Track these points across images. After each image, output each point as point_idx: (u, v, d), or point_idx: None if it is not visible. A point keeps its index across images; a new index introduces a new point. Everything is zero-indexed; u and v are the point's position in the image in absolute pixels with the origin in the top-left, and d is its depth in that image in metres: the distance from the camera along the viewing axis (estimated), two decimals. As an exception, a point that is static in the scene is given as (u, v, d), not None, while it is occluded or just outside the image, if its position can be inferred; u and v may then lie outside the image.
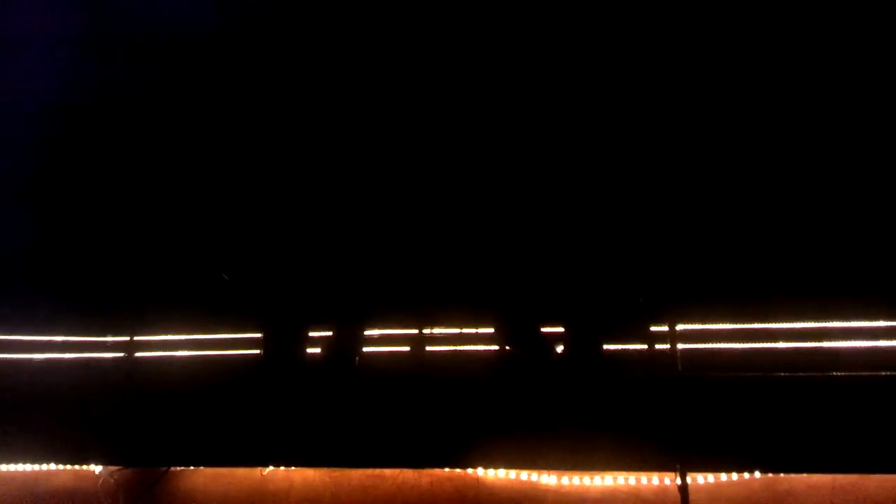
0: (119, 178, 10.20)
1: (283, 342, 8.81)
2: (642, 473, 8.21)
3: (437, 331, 8.65)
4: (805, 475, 7.98)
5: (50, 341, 9.39)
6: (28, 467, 9.17)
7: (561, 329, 8.37)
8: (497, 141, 9.44)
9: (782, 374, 7.76)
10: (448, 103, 9.63)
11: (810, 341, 7.84)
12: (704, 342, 8.08)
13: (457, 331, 8.62)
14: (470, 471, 8.51)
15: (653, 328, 8.18)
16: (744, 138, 8.97)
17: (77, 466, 9.21)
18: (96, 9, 10.74)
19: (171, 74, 10.39)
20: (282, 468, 8.93)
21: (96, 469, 9.23)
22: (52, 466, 9.17)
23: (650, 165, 9.03)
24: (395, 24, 9.95)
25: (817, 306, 7.90)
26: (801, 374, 7.72)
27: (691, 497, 7.82)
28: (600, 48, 9.43)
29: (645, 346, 8.17)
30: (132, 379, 9.11)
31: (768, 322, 7.97)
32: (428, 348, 8.61)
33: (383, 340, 8.72)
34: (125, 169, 10.22)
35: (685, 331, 8.14)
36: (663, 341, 8.13)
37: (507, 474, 8.42)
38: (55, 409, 8.95)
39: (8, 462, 9.12)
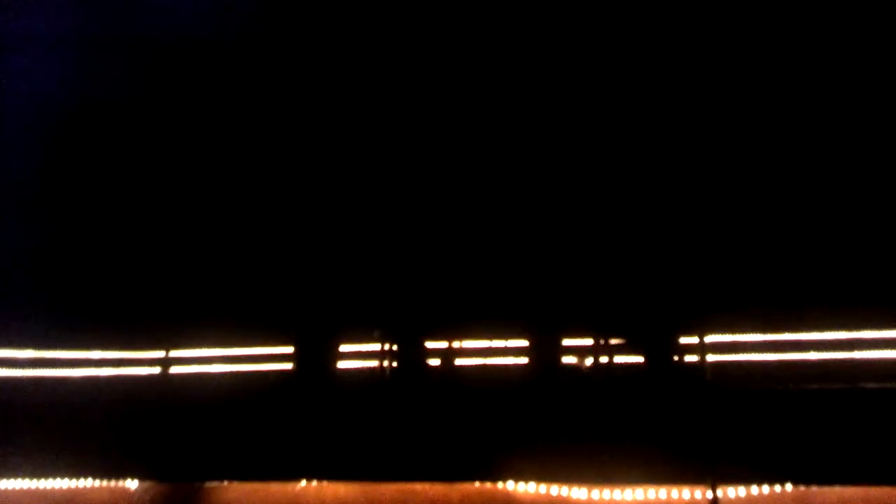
0: (152, 196, 10.39)
1: (316, 357, 8.93)
2: (673, 486, 8.17)
3: (466, 344, 8.74)
4: (837, 488, 7.90)
5: (87, 358, 9.56)
6: (65, 483, 9.30)
7: (590, 341, 8.42)
8: (536, 161, 9.52)
9: (814, 385, 7.74)
10: (483, 120, 9.75)
11: (841, 352, 7.83)
12: (734, 353, 8.10)
13: (486, 344, 8.71)
14: (500, 485, 8.52)
15: (682, 340, 8.21)
16: (774, 153, 9.00)
17: (113, 482, 9.33)
18: (98, 10, 10.95)
19: (201, 85, 10.58)
20: (314, 483, 9.01)
21: (132, 485, 9.35)
22: (89, 482, 9.31)
23: (680, 179, 9.08)
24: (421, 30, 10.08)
25: (848, 316, 7.90)
26: (832, 385, 7.69)
27: (723, 510, 7.81)
28: (621, 58, 9.54)
29: (675, 358, 8.19)
30: (167, 395, 9.26)
31: (798, 333, 7.97)
32: (458, 361, 8.70)
33: (413, 354, 8.82)
34: (157, 187, 10.42)
35: (715, 342, 8.16)
36: (693, 353, 8.15)
37: (537, 488, 8.43)
38: (91, 425, 9.09)
39: (46, 478, 9.25)
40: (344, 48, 10.24)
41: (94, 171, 10.63)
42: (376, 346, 8.93)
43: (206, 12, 10.43)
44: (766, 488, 7.99)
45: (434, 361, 8.79)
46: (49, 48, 10.72)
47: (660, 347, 8.24)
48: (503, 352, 8.66)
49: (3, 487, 9.31)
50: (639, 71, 9.49)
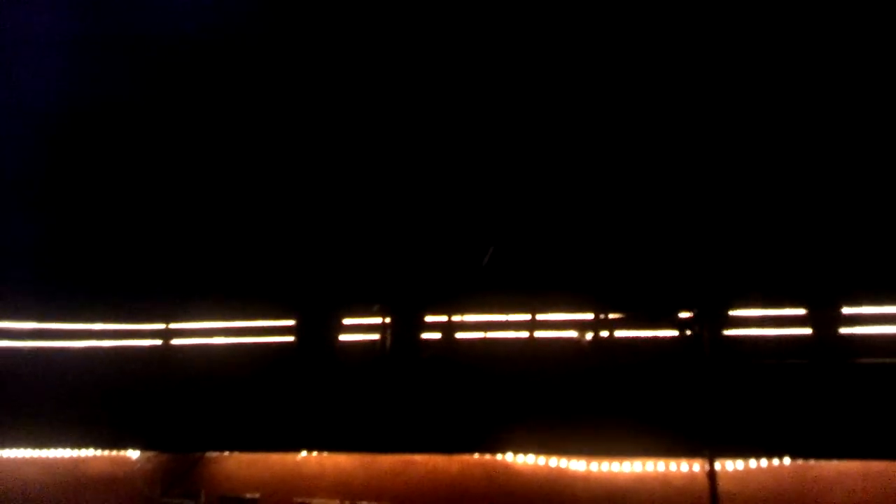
0: (156, 171, 10.42)
1: (317, 330, 8.97)
2: (671, 460, 8.22)
3: (467, 318, 8.77)
4: (835, 462, 7.94)
5: (88, 329, 9.61)
6: (68, 453, 9.39)
7: (590, 316, 8.45)
8: (541, 143, 9.53)
9: (811, 360, 7.75)
10: (483, 106, 9.76)
11: (841, 327, 7.83)
12: (733, 328, 8.11)
13: (486, 318, 8.73)
14: (500, 457, 8.58)
15: (681, 315, 8.22)
16: (778, 141, 9.00)
17: (115, 452, 9.42)
18: (98, 10, 10.94)
19: (206, 75, 10.60)
20: (314, 454, 9.08)
21: (134, 455, 9.43)
22: (91, 452, 9.39)
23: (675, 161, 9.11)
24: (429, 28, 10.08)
25: (846, 292, 7.90)
26: (830, 360, 7.70)
27: (720, 483, 7.80)
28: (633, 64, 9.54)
29: (675, 333, 8.20)
30: (168, 366, 9.31)
31: (797, 308, 7.98)
32: (458, 335, 8.74)
33: (413, 328, 8.85)
34: (161, 163, 10.44)
35: (714, 317, 8.16)
36: (692, 327, 8.16)
37: (536, 460, 8.49)
38: (94, 395, 9.14)
39: (48, 447, 9.34)
40: (342, 47, 10.25)
41: (97, 149, 10.66)
42: (377, 320, 8.94)
43: (206, 12, 10.42)
44: (763, 462, 8.04)
45: (434, 335, 8.81)
46: (50, 48, 10.74)
47: (659, 322, 8.24)
48: (502, 326, 8.67)
49: (6, 456, 9.39)
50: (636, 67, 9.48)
